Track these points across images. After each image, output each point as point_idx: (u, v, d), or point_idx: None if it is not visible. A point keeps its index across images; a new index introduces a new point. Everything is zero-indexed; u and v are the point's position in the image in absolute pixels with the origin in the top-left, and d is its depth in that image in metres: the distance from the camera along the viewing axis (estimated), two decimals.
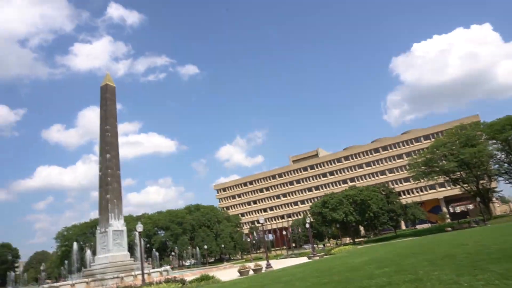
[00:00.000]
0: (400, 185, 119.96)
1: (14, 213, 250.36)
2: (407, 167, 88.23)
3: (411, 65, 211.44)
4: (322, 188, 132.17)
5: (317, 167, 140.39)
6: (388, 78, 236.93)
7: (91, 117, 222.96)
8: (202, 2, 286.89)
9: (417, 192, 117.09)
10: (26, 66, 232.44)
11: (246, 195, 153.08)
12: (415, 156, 79.51)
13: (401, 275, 12.27)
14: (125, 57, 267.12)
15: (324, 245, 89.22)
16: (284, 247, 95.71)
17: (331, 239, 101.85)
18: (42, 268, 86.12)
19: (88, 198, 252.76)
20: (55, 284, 38.30)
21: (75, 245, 62.82)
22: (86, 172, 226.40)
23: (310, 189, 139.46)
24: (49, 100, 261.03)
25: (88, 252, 54.25)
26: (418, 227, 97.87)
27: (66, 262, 72.40)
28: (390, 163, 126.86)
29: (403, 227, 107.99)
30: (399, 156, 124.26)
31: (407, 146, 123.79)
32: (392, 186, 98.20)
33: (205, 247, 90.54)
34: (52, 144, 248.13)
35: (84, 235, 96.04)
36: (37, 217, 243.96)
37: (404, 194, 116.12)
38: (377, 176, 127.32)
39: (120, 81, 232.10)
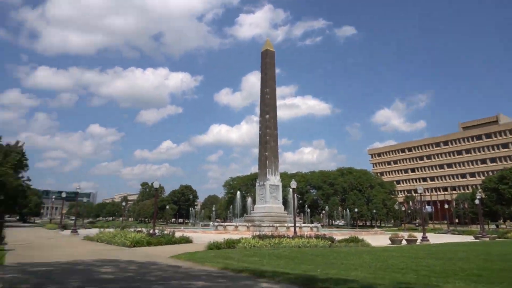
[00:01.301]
0: None
1: (194, 162, 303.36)
2: None
3: None
4: (500, 161, 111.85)
5: (496, 136, 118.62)
6: None
7: (253, 81, 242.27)
8: None
9: None
10: (202, 38, 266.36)
11: (403, 162, 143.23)
12: None
13: None
14: (283, 23, 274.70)
15: (497, 226, 76.60)
16: (445, 221, 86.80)
17: (508, 220, 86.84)
18: (213, 209, 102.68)
19: (249, 154, 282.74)
20: (223, 223, 45.55)
21: (238, 193, 71.86)
22: (248, 130, 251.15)
23: (483, 161, 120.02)
24: (219, 67, 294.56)
25: (249, 201, 61.18)
26: None
27: (231, 206, 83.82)
28: None
29: None
30: None
31: None
32: None
33: (356, 210, 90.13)
34: (222, 106, 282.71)
35: (246, 185, 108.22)
36: (210, 167, 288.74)
37: None
38: None
39: (278, 47, 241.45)
